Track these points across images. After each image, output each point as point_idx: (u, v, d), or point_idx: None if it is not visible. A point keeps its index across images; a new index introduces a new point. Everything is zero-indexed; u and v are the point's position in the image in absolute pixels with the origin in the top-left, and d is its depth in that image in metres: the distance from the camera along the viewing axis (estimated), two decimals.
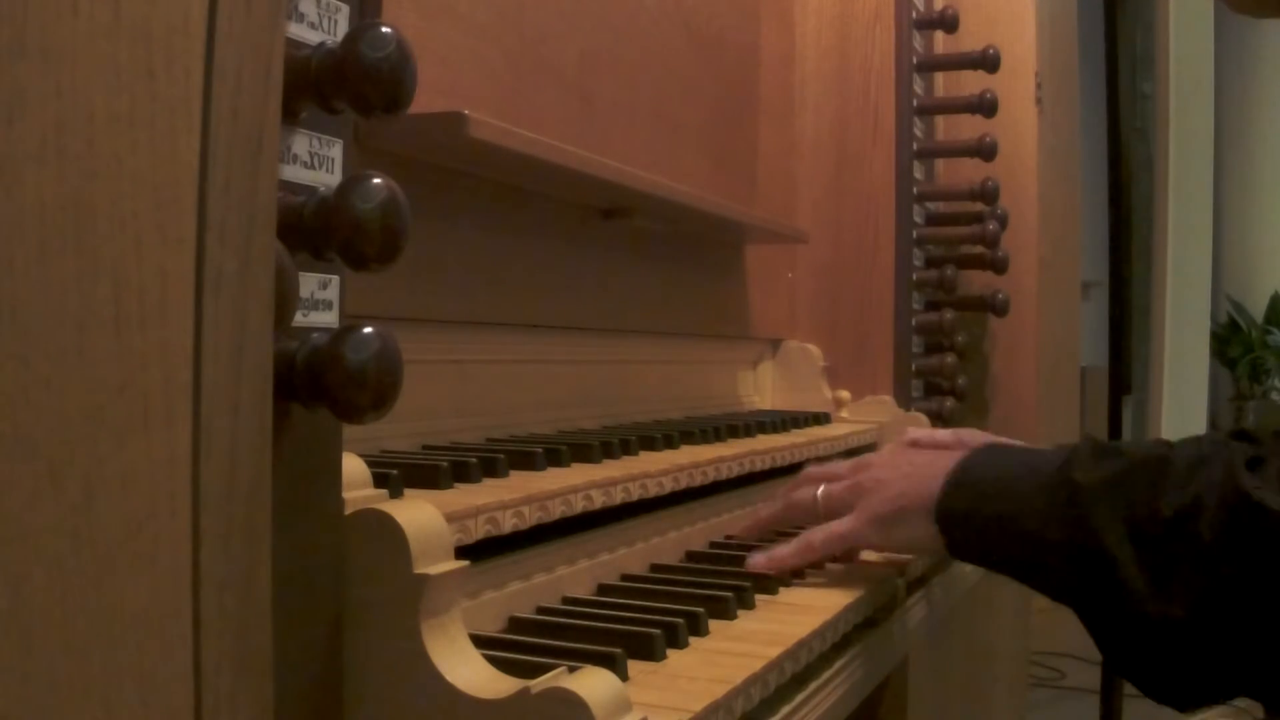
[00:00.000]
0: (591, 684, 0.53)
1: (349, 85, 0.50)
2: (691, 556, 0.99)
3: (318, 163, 0.54)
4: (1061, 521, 0.78)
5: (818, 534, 0.94)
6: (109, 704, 0.39)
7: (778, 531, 1.04)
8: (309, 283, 0.53)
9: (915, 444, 0.99)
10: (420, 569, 0.55)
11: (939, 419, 1.65)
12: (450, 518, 0.62)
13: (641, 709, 0.56)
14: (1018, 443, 0.95)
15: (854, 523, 0.94)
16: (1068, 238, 2.22)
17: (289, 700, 0.50)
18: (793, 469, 1.15)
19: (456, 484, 0.74)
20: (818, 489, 0.99)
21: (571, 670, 0.54)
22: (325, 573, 0.54)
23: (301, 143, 0.53)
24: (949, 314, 1.70)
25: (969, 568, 1.18)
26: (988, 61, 1.69)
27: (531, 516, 0.74)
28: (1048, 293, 1.95)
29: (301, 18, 0.52)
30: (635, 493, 0.87)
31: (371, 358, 0.49)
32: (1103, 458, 0.79)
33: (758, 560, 0.93)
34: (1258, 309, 6.62)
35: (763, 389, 1.59)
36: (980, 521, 0.85)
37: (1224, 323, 6.50)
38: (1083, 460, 0.79)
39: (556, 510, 0.77)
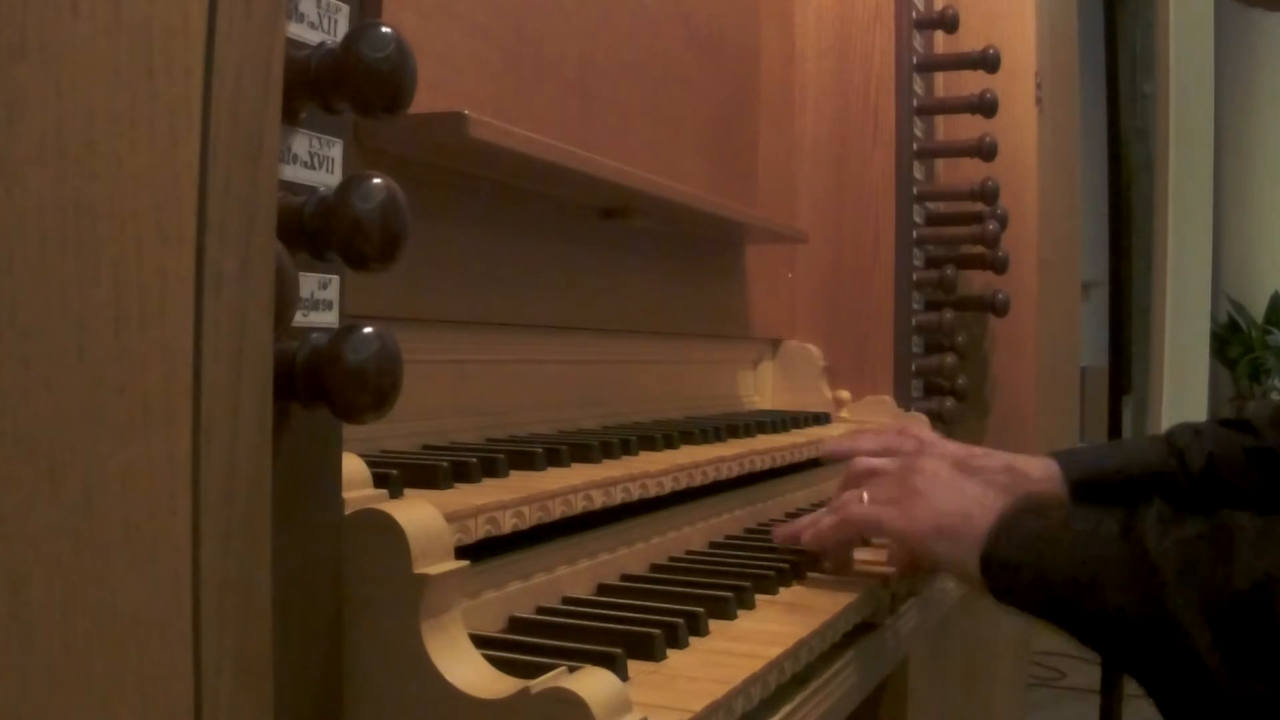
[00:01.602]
0: (591, 684, 0.53)
1: (349, 85, 0.50)
2: (692, 555, 0.99)
3: (318, 163, 0.54)
4: (1131, 590, 0.77)
5: (857, 512, 0.95)
6: (109, 704, 0.39)
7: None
8: (309, 283, 0.53)
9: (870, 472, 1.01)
10: (420, 569, 0.55)
11: (939, 419, 1.65)
12: (450, 518, 0.62)
13: (641, 709, 0.56)
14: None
15: (901, 522, 0.92)
16: (1068, 238, 2.22)
17: (289, 700, 0.50)
18: (792, 469, 1.15)
19: (456, 484, 0.74)
20: (863, 494, 0.98)
21: (571, 670, 0.54)
22: (325, 573, 0.54)
23: (301, 143, 0.53)
24: (949, 314, 1.70)
25: None
26: (988, 61, 1.69)
27: (531, 516, 0.74)
28: (1048, 293, 1.95)
29: (301, 18, 0.52)
30: (635, 493, 0.87)
31: (371, 358, 0.49)
32: (1170, 525, 0.78)
33: (802, 532, 0.97)
34: (1258, 309, 6.61)
35: (763, 389, 1.59)
36: (1035, 576, 0.83)
37: (1224, 323, 6.50)
38: (1150, 528, 0.78)
39: (556, 510, 0.77)
